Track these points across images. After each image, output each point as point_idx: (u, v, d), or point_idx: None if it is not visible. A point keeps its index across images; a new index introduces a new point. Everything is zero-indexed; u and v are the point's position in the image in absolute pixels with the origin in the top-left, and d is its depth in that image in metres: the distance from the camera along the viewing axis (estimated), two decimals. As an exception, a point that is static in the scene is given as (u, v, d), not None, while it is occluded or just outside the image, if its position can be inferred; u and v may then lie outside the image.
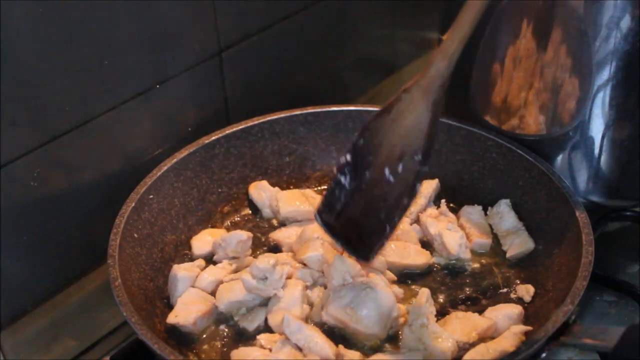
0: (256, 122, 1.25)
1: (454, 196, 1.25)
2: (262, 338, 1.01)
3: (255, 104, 1.33)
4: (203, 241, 1.17)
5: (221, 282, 1.09)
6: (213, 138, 1.22)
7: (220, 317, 1.07)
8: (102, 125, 1.10)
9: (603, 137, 1.13)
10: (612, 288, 1.15)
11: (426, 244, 1.18)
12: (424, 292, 1.02)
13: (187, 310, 1.04)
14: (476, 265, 1.15)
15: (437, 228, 1.16)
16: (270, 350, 0.99)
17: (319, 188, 1.30)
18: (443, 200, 1.23)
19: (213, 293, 1.08)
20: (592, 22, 1.04)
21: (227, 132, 1.23)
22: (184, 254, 1.16)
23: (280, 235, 1.19)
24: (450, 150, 1.25)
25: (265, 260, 1.04)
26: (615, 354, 0.88)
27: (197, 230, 1.20)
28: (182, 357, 0.92)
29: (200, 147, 1.20)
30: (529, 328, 1.01)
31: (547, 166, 1.14)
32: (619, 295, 1.15)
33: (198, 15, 1.18)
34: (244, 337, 1.04)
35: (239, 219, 1.25)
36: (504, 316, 1.03)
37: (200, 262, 1.13)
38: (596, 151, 1.14)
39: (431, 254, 1.15)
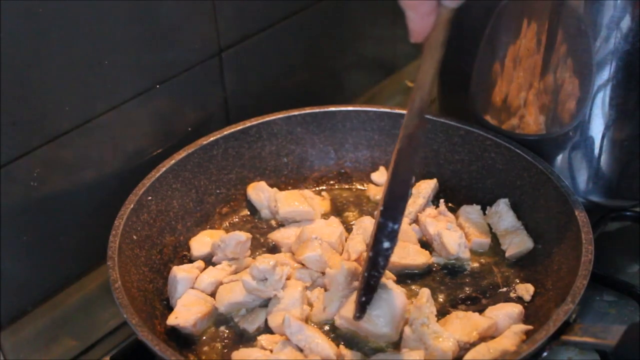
0: (254, 122, 1.25)
1: (453, 196, 1.25)
2: (263, 339, 1.01)
3: (255, 104, 1.33)
4: (202, 242, 1.17)
5: (221, 283, 1.09)
6: (211, 139, 1.21)
7: (220, 319, 1.07)
8: (102, 125, 1.10)
9: (603, 137, 1.13)
10: (612, 288, 1.15)
11: (425, 243, 1.18)
12: (425, 292, 1.02)
13: (187, 311, 1.04)
14: (475, 264, 1.15)
15: (436, 228, 1.16)
16: (271, 351, 0.99)
17: (317, 188, 1.30)
18: (442, 200, 1.23)
19: (213, 294, 1.08)
20: (592, 22, 1.04)
21: (225, 133, 1.22)
22: (183, 256, 1.16)
23: (279, 236, 1.19)
24: (449, 150, 1.25)
25: (265, 261, 1.04)
26: (617, 353, 0.88)
27: (196, 231, 1.19)
28: (183, 358, 0.91)
29: (198, 148, 1.20)
30: (530, 327, 1.01)
31: (546, 165, 1.14)
32: (619, 295, 1.15)
33: (198, 15, 1.18)
34: (244, 338, 1.04)
35: (237, 220, 1.24)
36: (505, 315, 1.03)
37: (200, 264, 1.13)
38: (596, 151, 1.14)
39: (430, 253, 1.15)
